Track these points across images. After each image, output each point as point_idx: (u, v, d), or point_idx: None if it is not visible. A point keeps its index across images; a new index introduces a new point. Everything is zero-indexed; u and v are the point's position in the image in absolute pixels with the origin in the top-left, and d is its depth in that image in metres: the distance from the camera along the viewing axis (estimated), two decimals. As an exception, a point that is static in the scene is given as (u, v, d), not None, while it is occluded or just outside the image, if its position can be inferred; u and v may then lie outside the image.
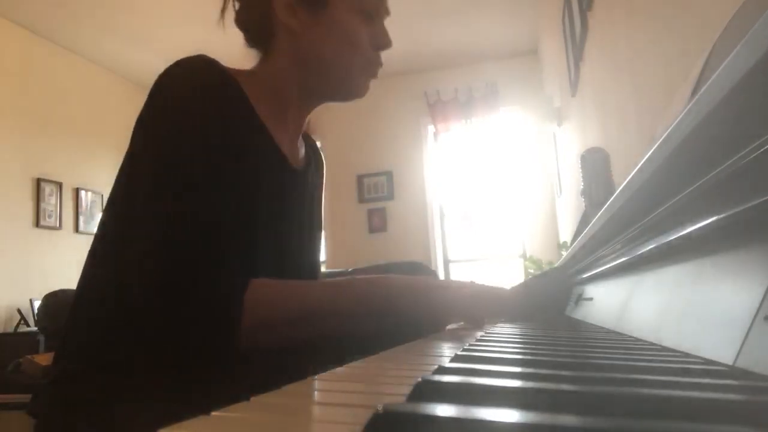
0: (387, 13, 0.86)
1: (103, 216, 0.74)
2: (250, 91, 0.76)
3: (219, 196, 0.67)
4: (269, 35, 0.82)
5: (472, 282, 0.83)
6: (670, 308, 0.47)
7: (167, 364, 0.65)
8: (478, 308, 0.79)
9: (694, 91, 0.55)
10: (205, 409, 0.21)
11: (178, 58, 0.75)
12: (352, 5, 0.81)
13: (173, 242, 0.64)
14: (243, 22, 0.85)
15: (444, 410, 0.18)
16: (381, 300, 0.72)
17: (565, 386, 0.22)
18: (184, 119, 0.69)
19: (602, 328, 0.72)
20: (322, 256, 5.39)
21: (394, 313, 0.72)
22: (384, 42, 0.84)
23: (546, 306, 1.22)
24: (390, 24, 0.89)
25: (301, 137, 0.91)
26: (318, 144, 1.01)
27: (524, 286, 1.30)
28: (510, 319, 0.96)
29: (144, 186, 0.67)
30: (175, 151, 0.67)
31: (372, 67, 0.84)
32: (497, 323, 0.89)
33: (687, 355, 0.39)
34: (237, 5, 0.85)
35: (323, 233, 1.04)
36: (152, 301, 0.63)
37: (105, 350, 0.69)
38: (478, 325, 0.78)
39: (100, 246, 0.72)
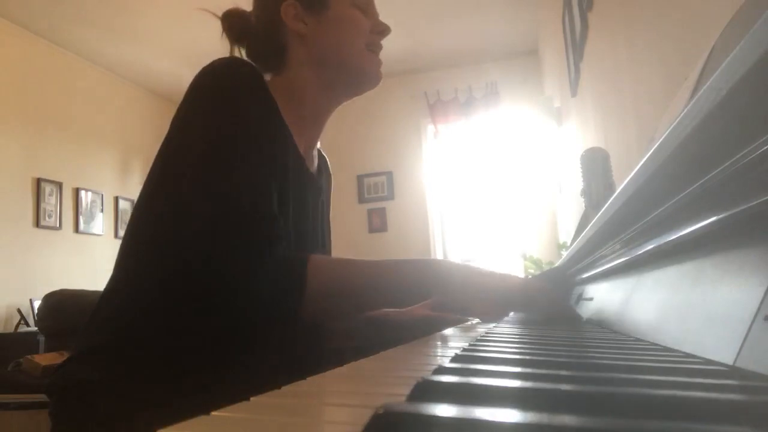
0: (375, 12, 0.93)
1: (139, 207, 0.76)
2: (275, 97, 0.82)
3: (266, 179, 0.72)
4: (281, 52, 0.89)
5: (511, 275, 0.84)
6: (670, 308, 0.47)
7: (186, 346, 0.68)
8: (526, 302, 0.80)
9: (694, 91, 0.55)
10: (205, 409, 0.21)
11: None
12: (348, 1, 0.88)
13: (234, 218, 0.67)
14: (257, 52, 0.92)
15: (444, 410, 0.18)
16: (432, 279, 0.75)
17: (564, 386, 0.22)
18: (222, 117, 0.73)
19: (602, 328, 0.72)
20: (322, 256, 5.40)
21: (442, 292, 0.75)
22: (383, 27, 0.92)
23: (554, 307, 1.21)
24: (391, 24, 0.93)
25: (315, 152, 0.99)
26: (318, 144, 1.04)
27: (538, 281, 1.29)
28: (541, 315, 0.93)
29: (193, 170, 0.70)
30: (224, 137, 0.71)
31: (375, 50, 0.91)
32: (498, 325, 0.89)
33: (687, 355, 0.39)
34: (246, 45, 0.92)
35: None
36: (217, 274, 0.65)
37: (127, 332, 0.71)
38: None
39: (138, 235, 0.75)
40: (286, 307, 0.66)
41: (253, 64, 0.80)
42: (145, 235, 0.74)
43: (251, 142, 0.72)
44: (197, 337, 0.68)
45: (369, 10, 0.91)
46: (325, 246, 0.99)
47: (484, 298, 0.75)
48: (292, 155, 0.84)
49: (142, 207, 0.76)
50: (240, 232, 0.66)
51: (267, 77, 0.92)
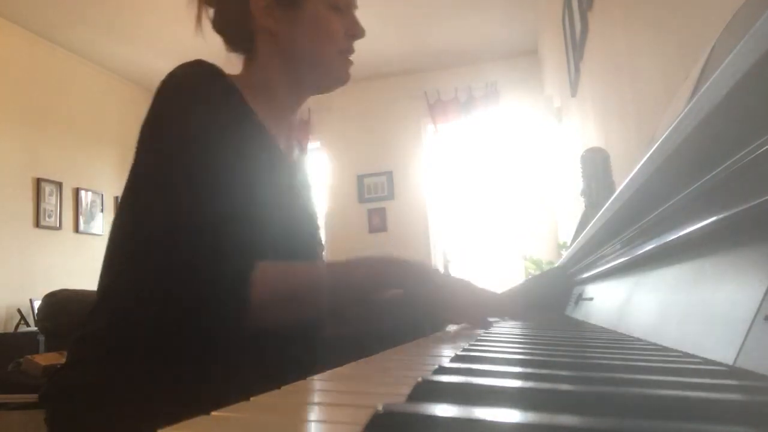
0: (355, 6, 0.90)
1: (116, 215, 0.77)
2: (245, 92, 0.80)
3: (225, 188, 0.71)
4: (249, 38, 0.86)
5: (469, 282, 0.86)
6: (670, 308, 0.47)
7: (180, 349, 0.67)
8: (476, 307, 0.81)
9: (694, 91, 0.55)
10: (205, 409, 0.21)
11: (179, 63, 0.78)
12: (323, 1, 0.85)
13: (184, 231, 0.67)
14: (221, 27, 0.88)
15: (444, 410, 0.18)
16: (383, 280, 0.76)
17: (564, 386, 0.22)
18: (189, 120, 0.73)
19: (602, 328, 0.72)
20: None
21: (402, 286, 0.76)
22: (357, 31, 0.88)
23: (545, 305, 1.22)
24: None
25: (295, 139, 0.96)
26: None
27: (523, 286, 1.30)
28: (509, 318, 0.96)
29: (153, 184, 0.71)
30: (183, 150, 0.71)
31: (347, 54, 0.89)
32: (496, 323, 0.89)
33: (687, 355, 0.39)
34: (212, 11, 0.88)
35: (323, 232, 1.06)
36: (167, 285, 0.66)
37: (119, 337, 0.71)
38: (478, 324, 0.79)
39: (117, 240, 0.75)
40: (228, 323, 0.66)
41: (218, 67, 0.78)
42: (122, 245, 0.74)
43: (210, 156, 0.71)
44: (188, 343, 0.67)
45: (347, 11, 0.88)
46: (317, 231, 0.97)
47: (450, 300, 0.78)
48: (268, 150, 0.82)
49: (118, 212, 0.76)
50: (183, 247, 0.66)
51: (239, 62, 0.89)
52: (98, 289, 0.75)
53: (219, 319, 0.66)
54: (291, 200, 0.87)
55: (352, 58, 0.89)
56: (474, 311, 0.80)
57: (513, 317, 0.96)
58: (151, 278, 0.67)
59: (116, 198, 5.06)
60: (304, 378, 0.31)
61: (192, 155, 0.70)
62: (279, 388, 0.27)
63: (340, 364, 0.37)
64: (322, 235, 1.04)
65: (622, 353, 0.40)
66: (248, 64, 0.88)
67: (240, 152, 0.74)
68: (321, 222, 1.04)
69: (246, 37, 0.86)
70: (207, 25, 0.89)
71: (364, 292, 0.77)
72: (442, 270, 5.20)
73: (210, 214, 0.68)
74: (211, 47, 0.90)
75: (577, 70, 2.73)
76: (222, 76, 0.78)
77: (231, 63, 0.87)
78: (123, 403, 0.66)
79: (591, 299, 0.93)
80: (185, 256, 0.66)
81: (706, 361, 0.35)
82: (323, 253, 1.03)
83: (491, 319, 0.81)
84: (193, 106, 0.73)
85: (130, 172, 0.75)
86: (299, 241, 0.87)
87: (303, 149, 1.01)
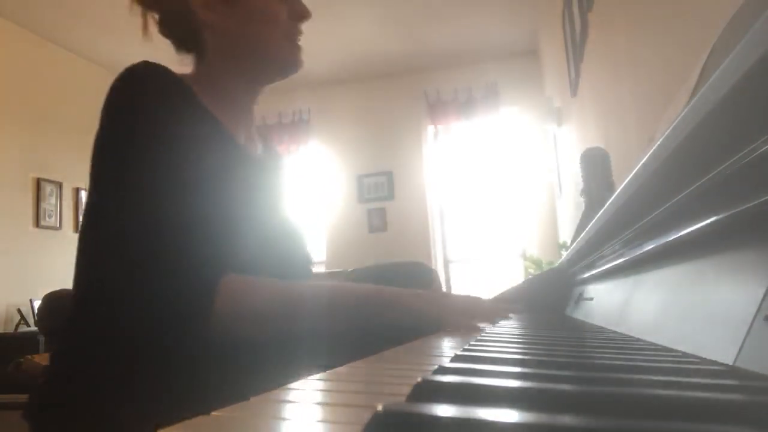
0: None
1: (82, 225, 0.75)
2: (198, 91, 0.79)
3: (190, 192, 0.69)
4: (195, 36, 0.86)
5: (444, 292, 0.84)
6: (670, 308, 0.47)
7: (149, 358, 0.66)
8: (445, 316, 0.79)
9: (694, 91, 0.55)
10: (205, 409, 0.21)
11: (177, 63, 0.76)
12: None
13: (150, 239, 0.65)
14: (167, 31, 0.88)
15: (444, 410, 0.18)
16: (347, 306, 0.75)
17: (565, 386, 0.22)
18: (145, 123, 0.71)
19: (602, 328, 0.72)
20: (322, 256, 5.40)
21: (362, 319, 0.75)
22: (302, 12, 0.87)
23: (545, 305, 1.22)
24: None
25: (257, 134, 0.95)
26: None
27: (523, 286, 1.30)
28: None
29: (116, 190, 0.69)
30: (143, 154, 0.69)
31: (294, 38, 0.87)
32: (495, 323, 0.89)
33: (687, 355, 0.39)
34: (157, 17, 0.88)
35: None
36: (130, 293, 0.65)
37: (96, 349, 0.69)
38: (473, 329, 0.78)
39: (84, 251, 0.73)
40: (188, 335, 0.64)
41: (167, 67, 0.77)
42: (89, 257, 0.72)
43: (171, 159, 0.69)
44: (161, 354, 0.66)
45: None
46: (297, 229, 0.94)
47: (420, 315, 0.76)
48: (229, 148, 0.81)
49: (83, 222, 0.74)
50: (149, 263, 0.64)
51: (190, 60, 0.88)
52: (73, 300, 0.74)
53: (179, 332, 0.64)
54: (263, 201, 0.84)
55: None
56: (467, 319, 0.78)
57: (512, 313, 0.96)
58: (117, 290, 0.66)
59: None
60: (303, 378, 0.31)
61: (152, 158, 0.68)
62: (279, 387, 0.27)
63: (341, 364, 0.37)
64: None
65: (622, 353, 0.40)
66: (198, 62, 0.87)
67: (201, 151, 0.73)
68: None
69: (192, 36, 0.86)
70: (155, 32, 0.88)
71: (349, 322, 0.74)
72: (442, 271, 5.22)
73: (174, 222, 0.66)
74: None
75: (577, 70, 2.73)
76: (172, 75, 0.77)
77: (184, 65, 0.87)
78: (106, 416, 0.64)
79: (591, 299, 0.93)
80: (149, 266, 0.64)
81: (706, 361, 0.35)
82: (312, 267, 1.00)
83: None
84: (146, 108, 0.72)
85: (90, 180, 0.73)
86: (278, 241, 0.84)
87: (270, 148, 0.99)
